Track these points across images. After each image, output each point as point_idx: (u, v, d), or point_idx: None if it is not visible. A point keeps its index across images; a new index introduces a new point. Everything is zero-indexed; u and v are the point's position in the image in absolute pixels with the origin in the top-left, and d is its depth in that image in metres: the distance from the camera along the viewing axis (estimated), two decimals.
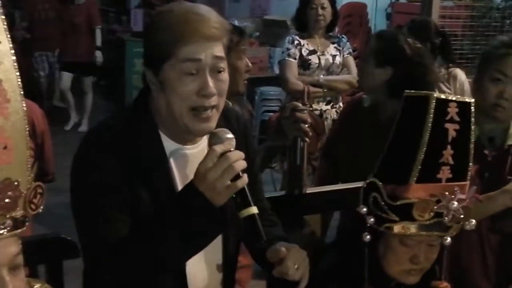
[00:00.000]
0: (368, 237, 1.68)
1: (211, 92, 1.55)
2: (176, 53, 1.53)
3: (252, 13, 9.45)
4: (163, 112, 1.61)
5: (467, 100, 1.66)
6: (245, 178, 1.49)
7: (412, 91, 1.70)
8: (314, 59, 4.38)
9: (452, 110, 1.62)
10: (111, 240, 1.53)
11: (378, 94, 2.86)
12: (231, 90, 2.36)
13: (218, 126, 1.61)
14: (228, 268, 1.80)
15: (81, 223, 1.61)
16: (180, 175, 1.66)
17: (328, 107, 4.37)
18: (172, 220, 1.50)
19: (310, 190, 2.48)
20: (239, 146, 1.57)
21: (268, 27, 8.20)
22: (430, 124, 1.60)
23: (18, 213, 1.16)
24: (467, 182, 1.69)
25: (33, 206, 1.18)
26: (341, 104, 4.41)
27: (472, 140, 1.67)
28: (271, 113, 5.73)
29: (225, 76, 1.60)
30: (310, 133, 2.41)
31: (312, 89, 4.27)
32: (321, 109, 4.34)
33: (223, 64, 1.58)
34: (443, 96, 1.63)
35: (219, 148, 1.48)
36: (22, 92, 1.16)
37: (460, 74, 4.28)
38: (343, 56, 4.46)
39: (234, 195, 1.49)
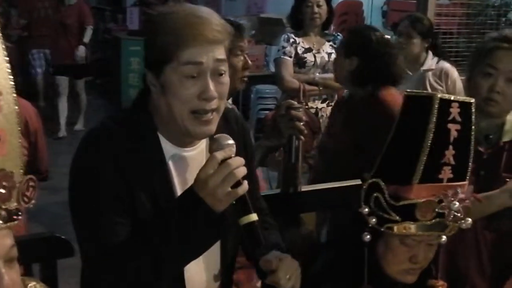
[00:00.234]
0: (368, 237, 1.68)
1: (212, 96, 1.55)
2: (178, 56, 1.53)
3: (248, 11, 9.44)
4: (163, 114, 1.61)
5: (468, 100, 1.67)
6: (245, 185, 1.49)
7: (413, 91, 1.70)
8: (309, 57, 4.38)
9: (454, 111, 1.63)
10: (109, 243, 1.53)
11: (347, 84, 3.06)
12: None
13: (217, 126, 1.61)
14: (226, 272, 1.80)
15: (79, 224, 1.61)
16: (179, 177, 1.66)
17: (324, 105, 4.37)
18: (171, 225, 1.50)
19: (305, 188, 2.48)
20: (238, 147, 1.57)
21: (264, 25, 8.20)
22: (433, 125, 1.60)
23: (12, 205, 1.17)
24: (467, 182, 1.70)
25: (26, 199, 1.19)
26: None
27: (473, 140, 1.67)
28: (267, 111, 5.74)
29: (226, 79, 1.59)
30: (305, 131, 2.41)
31: (307, 87, 4.27)
32: (316, 107, 4.34)
33: (224, 67, 1.58)
34: (446, 97, 1.63)
35: (220, 155, 1.48)
36: (13, 86, 1.16)
37: (452, 71, 4.29)
38: None
39: (234, 202, 1.49)
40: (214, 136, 1.56)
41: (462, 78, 3.35)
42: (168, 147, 1.65)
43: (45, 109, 8.09)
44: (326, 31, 4.54)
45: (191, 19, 1.54)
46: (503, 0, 6.34)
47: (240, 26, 2.54)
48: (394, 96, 2.93)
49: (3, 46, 1.14)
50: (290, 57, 4.35)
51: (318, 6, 4.35)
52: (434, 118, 1.60)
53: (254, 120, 6.77)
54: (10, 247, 1.18)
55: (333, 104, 4.38)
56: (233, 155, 1.50)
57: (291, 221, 2.43)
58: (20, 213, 1.19)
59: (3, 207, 1.15)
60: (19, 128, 1.18)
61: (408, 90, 1.70)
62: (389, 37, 3.07)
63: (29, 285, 1.35)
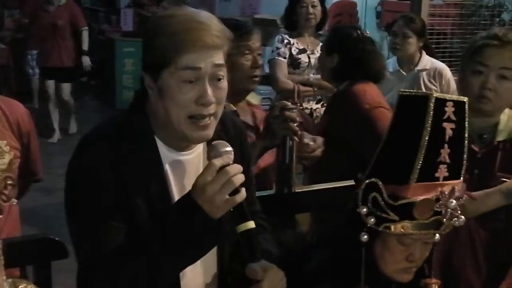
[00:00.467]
0: (365, 237, 1.68)
1: (209, 101, 1.55)
2: (176, 60, 1.52)
3: (243, 12, 9.45)
4: (161, 118, 1.61)
5: (462, 99, 1.68)
6: (243, 192, 1.49)
7: (407, 90, 1.71)
8: (304, 58, 4.38)
9: (449, 109, 1.64)
10: (105, 247, 1.52)
11: (329, 81, 3.18)
12: (235, 89, 2.38)
13: (214, 130, 1.61)
14: (223, 277, 1.79)
15: (75, 227, 1.61)
16: (175, 181, 1.66)
17: (318, 106, 4.37)
18: (168, 231, 1.50)
19: (299, 189, 2.48)
20: (235, 151, 1.57)
21: (258, 26, 8.18)
22: (429, 124, 1.61)
23: None
24: (462, 180, 1.70)
25: (4, 197, 1.18)
26: None
27: (466, 138, 1.68)
28: None
29: (224, 84, 1.59)
30: (299, 132, 2.41)
31: (302, 88, 4.28)
32: (311, 108, 4.34)
33: (223, 72, 1.58)
34: (441, 96, 1.64)
35: (218, 162, 1.48)
36: None
37: (446, 71, 4.32)
38: None
39: (231, 209, 1.50)
40: (212, 143, 1.56)
41: (456, 78, 3.37)
42: (164, 151, 1.65)
43: (40, 110, 8.01)
44: (320, 32, 4.54)
45: (190, 23, 1.54)
46: (496, 1, 6.36)
47: (247, 26, 2.59)
48: (366, 90, 3.00)
49: None
50: (285, 58, 4.36)
51: (313, 6, 4.35)
52: (430, 117, 1.61)
53: None
54: None
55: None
56: (231, 162, 1.50)
57: (286, 221, 2.43)
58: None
59: None
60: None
61: (402, 90, 1.71)
62: (369, 34, 3.18)
63: (20, 287, 1.35)
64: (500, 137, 2.25)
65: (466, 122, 1.67)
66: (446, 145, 1.64)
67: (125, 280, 1.51)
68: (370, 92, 2.99)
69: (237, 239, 1.55)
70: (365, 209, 1.66)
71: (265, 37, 7.53)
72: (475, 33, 5.37)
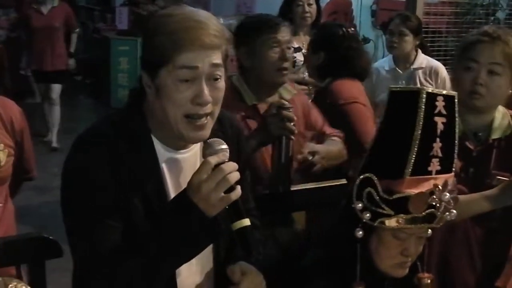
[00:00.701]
0: (360, 232, 1.68)
1: (206, 100, 1.55)
2: (174, 59, 1.52)
3: (238, 10, 9.43)
4: (158, 117, 1.61)
5: (452, 94, 1.70)
6: (238, 190, 1.49)
7: (398, 86, 1.72)
8: (299, 56, 4.37)
9: (440, 104, 1.66)
10: (102, 246, 1.52)
11: (316, 79, 3.23)
12: (264, 82, 2.47)
13: (212, 129, 1.61)
14: (219, 274, 1.79)
15: (71, 226, 1.60)
16: (172, 180, 1.66)
17: None
18: (164, 229, 1.50)
19: (295, 187, 2.48)
20: (232, 150, 1.57)
21: None
22: (421, 118, 1.62)
23: None
24: (453, 174, 1.72)
25: None
26: None
27: (457, 132, 1.70)
28: None
29: (221, 84, 1.59)
30: (296, 131, 2.41)
31: (297, 86, 4.27)
32: None
33: (220, 72, 1.58)
34: (431, 91, 1.66)
35: (213, 160, 1.48)
36: None
37: (442, 70, 4.33)
38: None
39: (227, 206, 1.49)
40: (208, 141, 1.56)
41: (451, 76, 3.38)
42: (161, 149, 1.65)
43: (42, 105, 7.83)
44: (315, 31, 4.53)
45: (189, 23, 1.53)
46: None
47: (276, 19, 2.61)
48: (344, 86, 3.05)
49: None
50: None
51: (309, 5, 4.36)
52: (422, 111, 1.62)
53: None
54: None
55: None
56: (226, 160, 1.50)
57: (282, 220, 2.43)
58: None
59: None
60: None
61: (393, 86, 1.72)
62: (354, 31, 3.23)
63: (10, 285, 1.35)
64: (495, 135, 2.25)
65: (457, 116, 1.69)
66: (438, 139, 1.65)
67: (122, 278, 1.51)
68: (348, 88, 3.05)
69: (232, 236, 1.55)
70: (360, 205, 1.66)
71: None
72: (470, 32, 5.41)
